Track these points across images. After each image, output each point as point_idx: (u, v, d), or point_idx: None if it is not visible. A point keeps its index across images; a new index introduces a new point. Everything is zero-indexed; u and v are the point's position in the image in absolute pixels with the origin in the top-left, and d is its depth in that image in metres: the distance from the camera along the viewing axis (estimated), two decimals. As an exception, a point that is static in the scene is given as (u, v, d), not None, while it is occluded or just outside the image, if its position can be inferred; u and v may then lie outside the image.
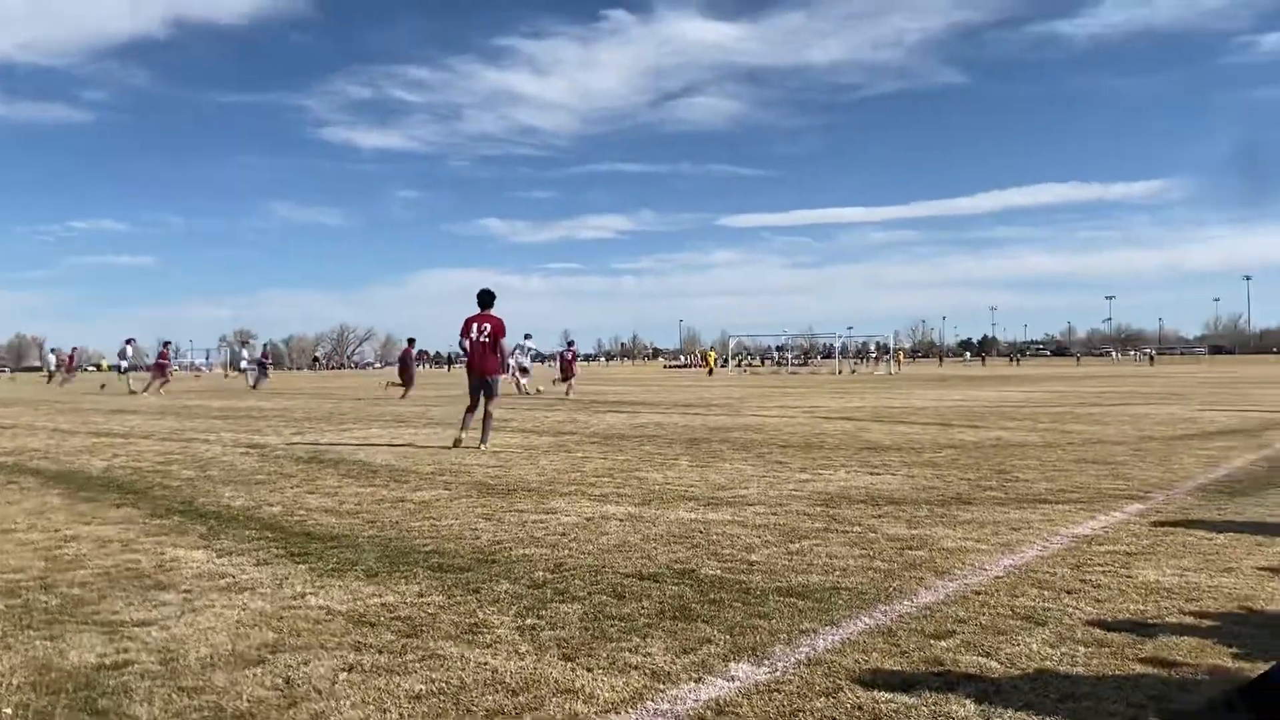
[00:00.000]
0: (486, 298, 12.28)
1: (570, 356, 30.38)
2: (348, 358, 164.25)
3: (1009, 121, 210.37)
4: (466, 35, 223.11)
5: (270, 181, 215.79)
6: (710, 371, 63.04)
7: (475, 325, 12.15)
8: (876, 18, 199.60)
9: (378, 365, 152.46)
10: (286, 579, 5.01)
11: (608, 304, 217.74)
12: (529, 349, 30.97)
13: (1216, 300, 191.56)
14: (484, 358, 12.14)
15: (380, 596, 4.62)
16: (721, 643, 3.81)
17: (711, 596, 4.52)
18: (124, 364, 36.16)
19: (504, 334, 12.27)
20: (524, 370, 29.44)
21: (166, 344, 34.80)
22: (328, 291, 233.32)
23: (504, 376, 12.65)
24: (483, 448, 11.69)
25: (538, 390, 28.69)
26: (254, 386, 36.25)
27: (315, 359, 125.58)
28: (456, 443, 12.04)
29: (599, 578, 4.92)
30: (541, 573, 5.05)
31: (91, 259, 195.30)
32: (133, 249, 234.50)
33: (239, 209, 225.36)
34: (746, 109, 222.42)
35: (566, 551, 5.60)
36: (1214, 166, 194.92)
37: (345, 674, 3.51)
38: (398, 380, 29.25)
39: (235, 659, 3.69)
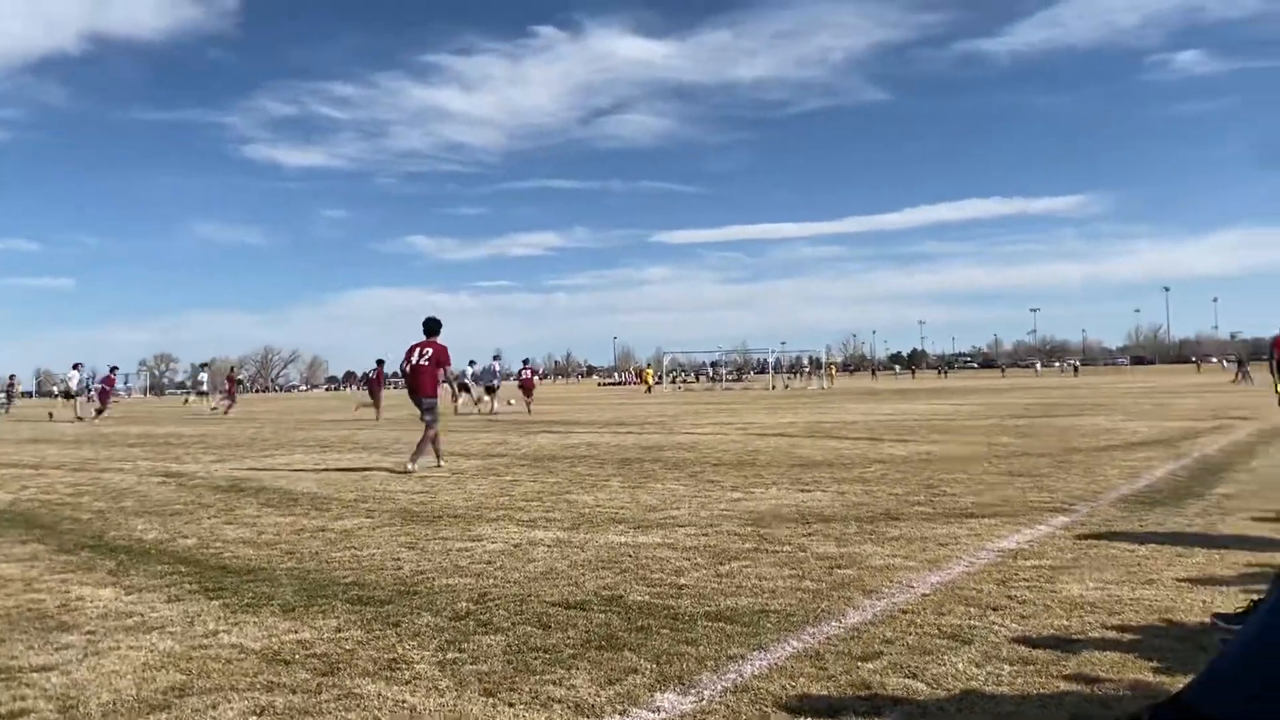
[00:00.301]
0: (432, 325, 12.32)
1: (529, 375, 31.91)
2: (272, 380, 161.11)
3: (935, 138, 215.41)
4: (393, 52, 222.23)
5: (192, 201, 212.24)
6: (648, 389, 63.05)
7: (417, 350, 12.21)
8: (802, 36, 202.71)
9: (303, 388, 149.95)
10: (198, 616, 4.83)
11: (540, 321, 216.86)
12: (468, 371, 31.58)
13: (1137, 311, 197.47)
14: (420, 380, 12.13)
15: (296, 633, 4.48)
16: (648, 672, 3.76)
17: (639, 624, 4.46)
18: (73, 389, 35.94)
19: (448, 362, 12.32)
20: (464, 388, 29.50)
21: (113, 369, 35.69)
22: (251, 312, 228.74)
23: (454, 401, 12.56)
24: (413, 467, 11.72)
25: (477, 409, 29.43)
26: (223, 411, 35.67)
27: (239, 381, 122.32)
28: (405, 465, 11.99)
29: (524, 607, 4.83)
30: (465, 603, 4.94)
31: (5, 281, 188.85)
32: (51, 270, 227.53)
33: (160, 229, 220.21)
34: (677, 126, 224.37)
35: (491, 580, 5.50)
36: (1133, 181, 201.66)
37: (255, 717, 3.38)
38: (369, 402, 29.31)
39: (139, 705, 3.54)
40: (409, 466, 11.74)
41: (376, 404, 28.77)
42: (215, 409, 33.94)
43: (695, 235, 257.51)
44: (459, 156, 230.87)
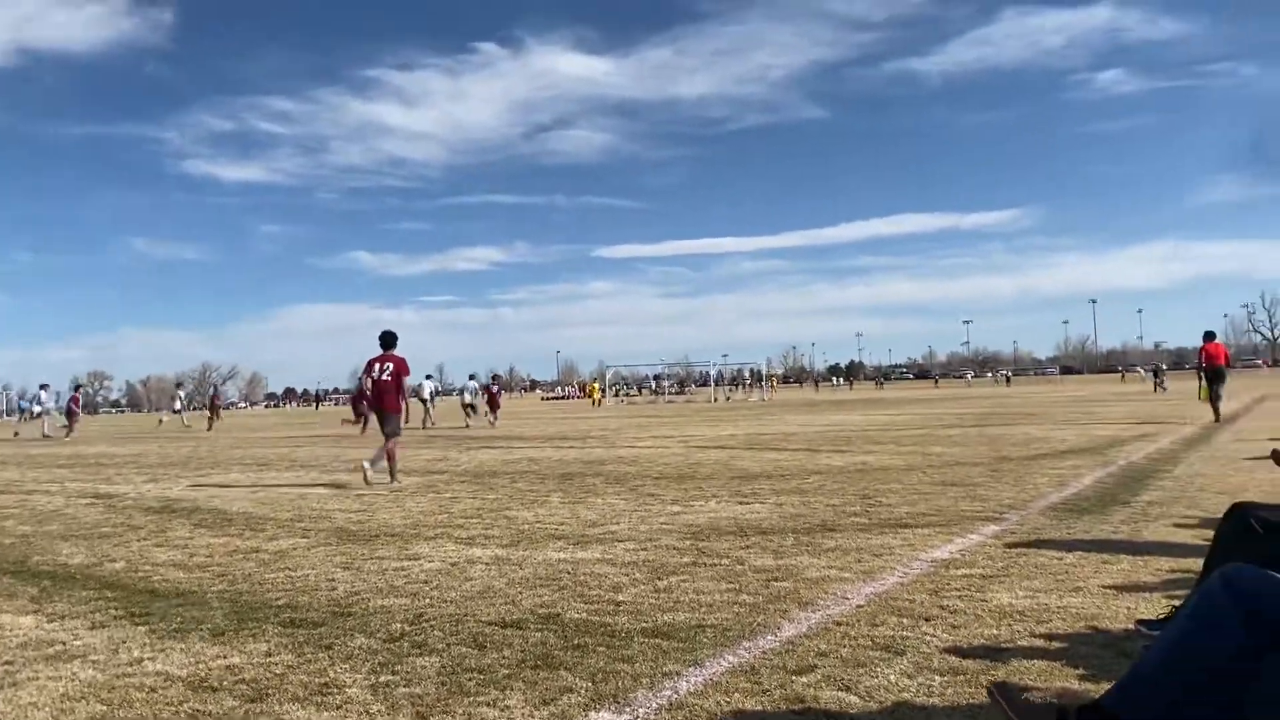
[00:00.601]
0: (389, 339, 12.56)
1: (496, 390, 32.78)
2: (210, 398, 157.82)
3: (870, 154, 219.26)
4: (332, 67, 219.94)
5: (128, 216, 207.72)
6: (596, 403, 62.82)
7: (378, 365, 12.41)
8: (742, 54, 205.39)
9: (243, 405, 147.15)
10: (123, 643, 4.68)
11: (485, 336, 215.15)
12: (426, 386, 34.01)
13: (1066, 323, 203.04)
14: (383, 396, 12.36)
15: (225, 658, 4.35)
16: (583, 691, 3.72)
17: (576, 642, 4.42)
18: (38, 408, 36.58)
19: (407, 373, 12.55)
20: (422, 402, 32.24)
21: (79, 388, 37.68)
22: (189, 330, 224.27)
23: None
24: (396, 483, 12.02)
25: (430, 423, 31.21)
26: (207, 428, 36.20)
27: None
28: (364, 476, 12.13)
29: (460, 627, 4.76)
30: (399, 624, 4.85)
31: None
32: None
33: (94, 245, 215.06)
34: (618, 141, 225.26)
35: (427, 600, 5.41)
36: (1060, 196, 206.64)
37: (179, 749, 3.28)
38: (352, 418, 29.56)
39: (56, 738, 3.41)
40: (365, 467, 11.99)
41: (359, 417, 28.91)
42: (49, 435, 33.12)
43: (637, 250, 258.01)
44: (401, 172, 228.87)
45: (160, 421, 37.00)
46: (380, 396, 12.40)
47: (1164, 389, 44.94)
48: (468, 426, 29.73)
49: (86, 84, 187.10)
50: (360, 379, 12.74)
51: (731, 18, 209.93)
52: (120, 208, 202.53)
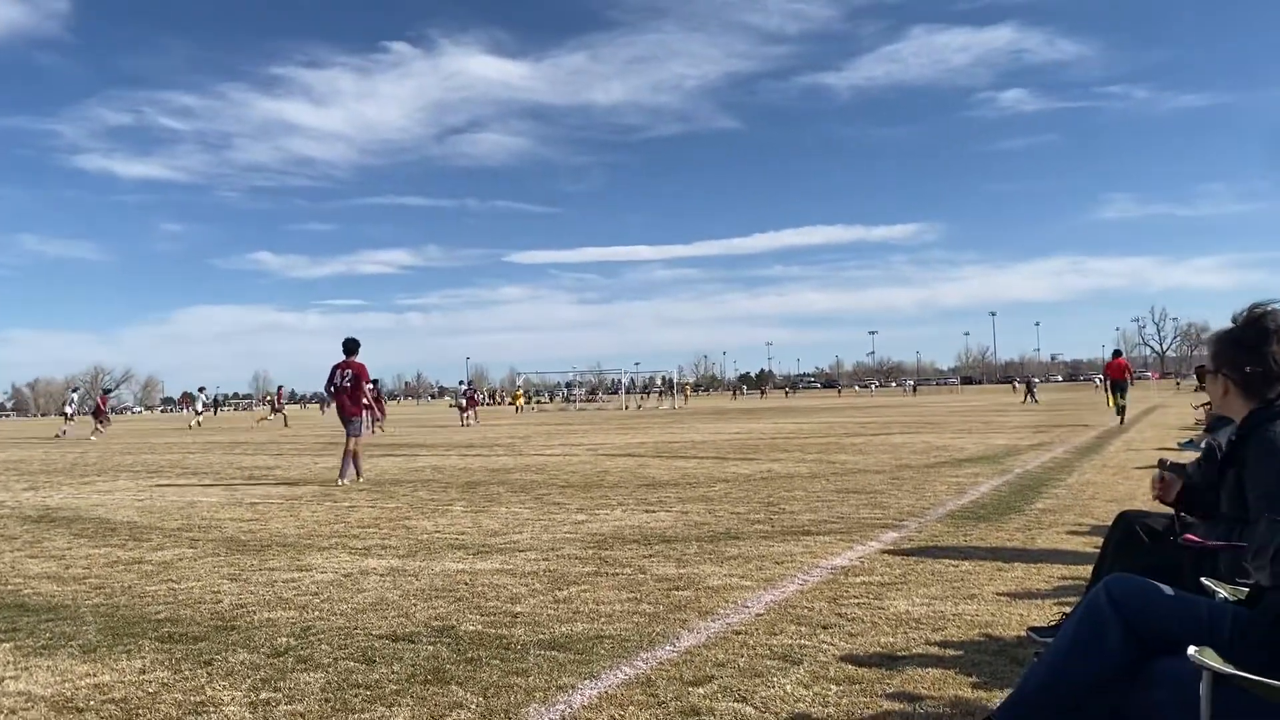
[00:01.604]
0: (351, 345, 13.33)
1: (472, 395, 39.56)
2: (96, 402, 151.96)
3: (781, 165, 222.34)
4: (238, 62, 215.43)
5: (15, 212, 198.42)
6: (518, 409, 62.00)
7: (340, 371, 13.17)
8: (657, 63, 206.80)
9: (137, 410, 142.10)
10: (-16, 662, 4.40)
11: (392, 341, 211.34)
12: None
13: (966, 334, 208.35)
14: (343, 400, 13.07)
15: (95, 676, 4.12)
16: (473, 706, 3.60)
17: (469, 655, 4.29)
18: (70, 410, 38.75)
19: (367, 379, 13.40)
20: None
21: (106, 391, 42.08)
22: (81, 331, 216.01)
23: (367, 417, 14.17)
24: (352, 482, 12.59)
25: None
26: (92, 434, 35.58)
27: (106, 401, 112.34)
28: (339, 477, 12.87)
29: (349, 641, 4.59)
30: (285, 638, 4.66)
31: None
32: None
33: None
34: (532, 146, 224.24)
35: (316, 613, 5.22)
36: (962, 211, 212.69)
37: (34, 776, 3.07)
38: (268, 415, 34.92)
39: (-102, 767, 3.16)
40: (341, 482, 12.57)
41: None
42: (99, 430, 34.63)
43: (550, 255, 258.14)
44: (308, 171, 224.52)
45: (61, 433, 35.61)
46: (340, 400, 13.13)
47: (1035, 400, 46.83)
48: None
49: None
50: (325, 386, 13.52)
51: (647, 26, 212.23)
52: (7, 202, 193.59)
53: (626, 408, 61.76)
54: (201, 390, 46.10)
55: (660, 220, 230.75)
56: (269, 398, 54.59)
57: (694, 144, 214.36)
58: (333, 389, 13.23)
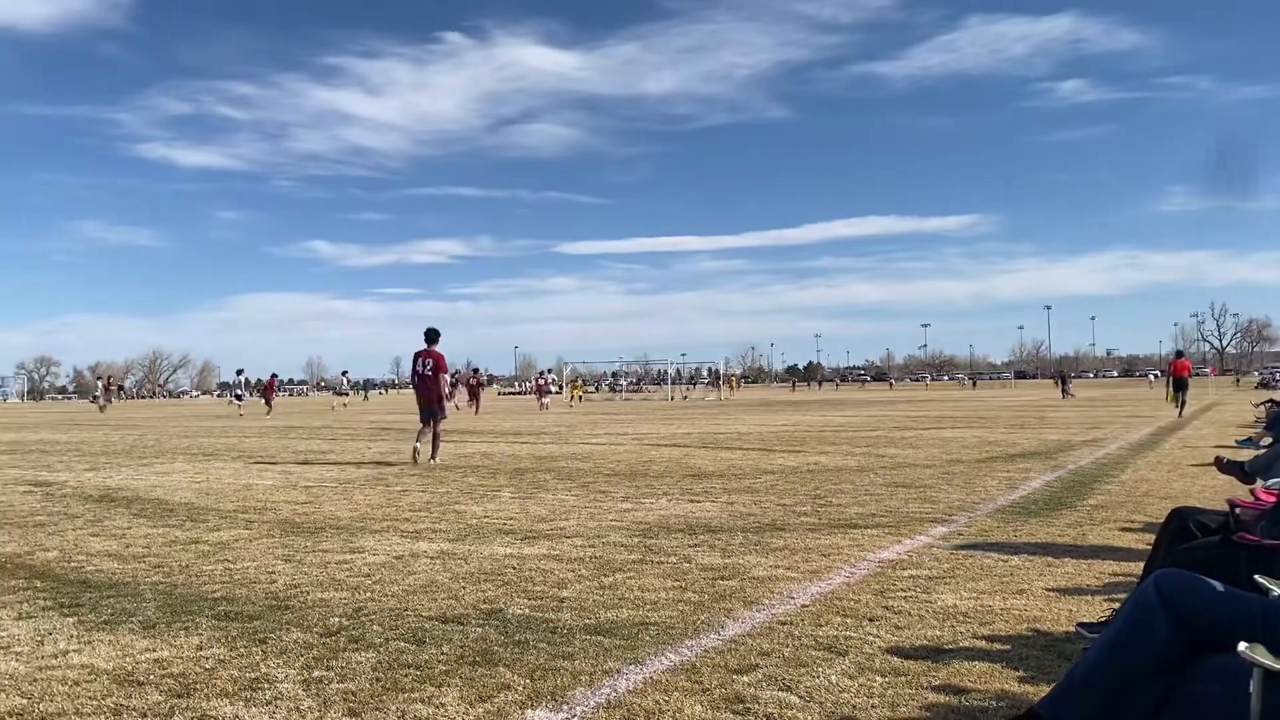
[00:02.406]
0: (432, 335, 14.13)
1: (476, 382, 39.29)
2: (160, 386, 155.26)
3: (833, 156, 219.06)
4: (295, 52, 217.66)
5: (78, 200, 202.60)
6: (578, 399, 60.28)
7: (421, 360, 14.03)
8: (708, 52, 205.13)
9: (194, 394, 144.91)
10: (49, 635, 4.55)
11: (443, 329, 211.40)
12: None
13: (1020, 328, 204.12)
14: (428, 387, 13.85)
15: (154, 651, 4.24)
16: (520, 688, 3.66)
17: (517, 638, 4.36)
18: (240, 392, 43.08)
19: (446, 368, 14.18)
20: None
21: (274, 376, 46.39)
22: (140, 316, 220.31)
23: (449, 404, 15.00)
24: (434, 462, 13.46)
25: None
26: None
27: (121, 387, 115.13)
28: (414, 455, 13.62)
29: (399, 622, 4.68)
30: (338, 618, 4.76)
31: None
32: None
33: (43, 228, 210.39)
34: (583, 136, 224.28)
35: (368, 594, 5.32)
36: (1018, 203, 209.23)
37: (98, 744, 3.17)
38: (465, 402, 36.72)
39: (-30, 733, 3.29)
40: (424, 459, 13.46)
41: (475, 400, 37.50)
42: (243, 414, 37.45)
43: (599, 246, 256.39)
44: (362, 161, 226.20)
45: (239, 414, 37.82)
46: (421, 388, 13.95)
47: (1071, 395, 46.07)
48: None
49: (38, 63, 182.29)
50: (410, 374, 14.51)
51: (699, 16, 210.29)
52: (71, 190, 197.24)
53: (672, 398, 61.76)
54: (240, 374, 45.44)
55: (709, 211, 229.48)
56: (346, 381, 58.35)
57: (744, 134, 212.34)
58: (415, 376, 14.15)
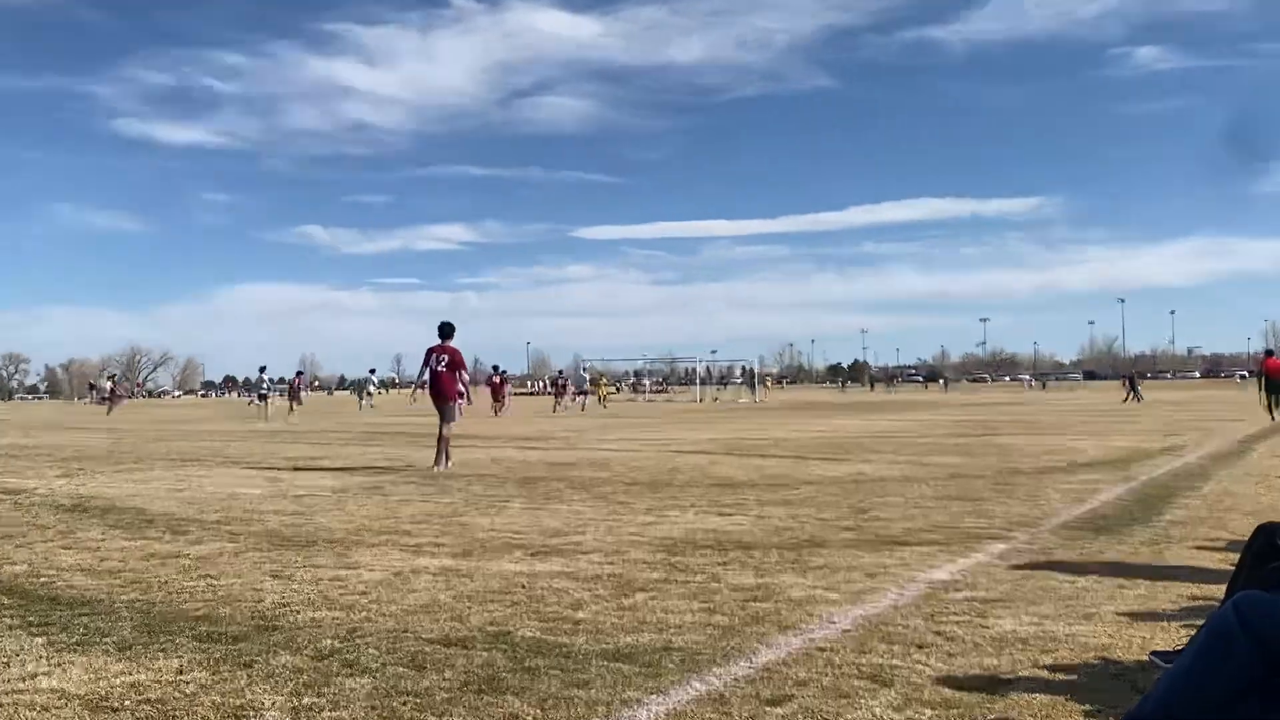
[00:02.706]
0: (447, 329, 14.34)
1: (499, 382, 40.58)
2: (139, 385, 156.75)
3: (881, 131, 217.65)
4: (288, 18, 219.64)
5: (51, 180, 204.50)
6: (603, 399, 59.68)
7: (435, 355, 14.20)
8: (742, 16, 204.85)
9: (176, 394, 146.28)
10: (16, 656, 4.60)
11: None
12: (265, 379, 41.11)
13: (1091, 323, 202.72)
14: (440, 384, 14.05)
15: (129, 675, 4.28)
16: (530, 719, 3.67)
17: (527, 664, 4.37)
18: (265, 390, 42.31)
19: (463, 364, 14.35)
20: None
21: (299, 373, 46.87)
22: (118, 309, 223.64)
23: (461, 403, 14.66)
24: (446, 468, 13.67)
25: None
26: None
27: (90, 385, 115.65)
28: (444, 460, 13.92)
29: (398, 645, 4.71)
30: (330, 640, 4.79)
31: None
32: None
33: (10, 211, 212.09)
34: (603, 110, 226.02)
35: (364, 614, 5.35)
36: (1088, 183, 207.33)
37: (68, 776, 3.21)
38: (498, 400, 38.85)
39: (-70, 762, 3.34)
40: (436, 470, 13.48)
41: (498, 400, 39.12)
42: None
43: (620, 231, 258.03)
44: (361, 138, 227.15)
45: (265, 417, 37.73)
46: (435, 385, 14.10)
47: (1139, 399, 45.53)
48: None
49: (6, 30, 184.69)
50: (420, 370, 14.60)
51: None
52: (42, 169, 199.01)
53: (701, 400, 61.79)
54: (263, 371, 44.92)
55: (741, 192, 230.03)
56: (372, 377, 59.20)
57: (781, 106, 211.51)
58: (429, 373, 14.20)
